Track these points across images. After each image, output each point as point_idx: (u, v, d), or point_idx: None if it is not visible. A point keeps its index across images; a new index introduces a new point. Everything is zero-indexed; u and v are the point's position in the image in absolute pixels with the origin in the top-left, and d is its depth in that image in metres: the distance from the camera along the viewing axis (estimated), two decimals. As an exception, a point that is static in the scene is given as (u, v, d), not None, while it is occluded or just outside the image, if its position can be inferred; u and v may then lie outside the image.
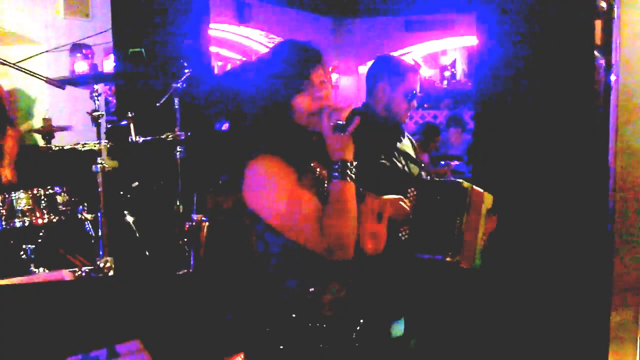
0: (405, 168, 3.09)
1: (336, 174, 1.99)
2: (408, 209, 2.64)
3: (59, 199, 4.24)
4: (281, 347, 2.05)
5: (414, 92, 3.11)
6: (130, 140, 4.61)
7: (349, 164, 1.99)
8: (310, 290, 2.06)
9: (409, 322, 3.00)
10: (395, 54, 3.83)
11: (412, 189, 2.78)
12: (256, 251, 2.12)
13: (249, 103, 2.10)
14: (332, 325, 2.07)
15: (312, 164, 2.12)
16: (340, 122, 1.96)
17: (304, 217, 1.96)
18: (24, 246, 4.09)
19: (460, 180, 2.78)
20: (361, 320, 2.16)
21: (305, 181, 2.04)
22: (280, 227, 2.00)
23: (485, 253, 2.77)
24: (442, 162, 7.37)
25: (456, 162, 7.39)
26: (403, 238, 2.76)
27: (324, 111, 2.00)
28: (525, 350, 3.56)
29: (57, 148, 4.46)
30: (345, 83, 13.10)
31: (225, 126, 6.35)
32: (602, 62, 3.56)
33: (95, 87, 4.01)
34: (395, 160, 3.06)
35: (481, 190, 2.77)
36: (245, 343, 2.19)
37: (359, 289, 2.17)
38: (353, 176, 1.99)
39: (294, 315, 2.05)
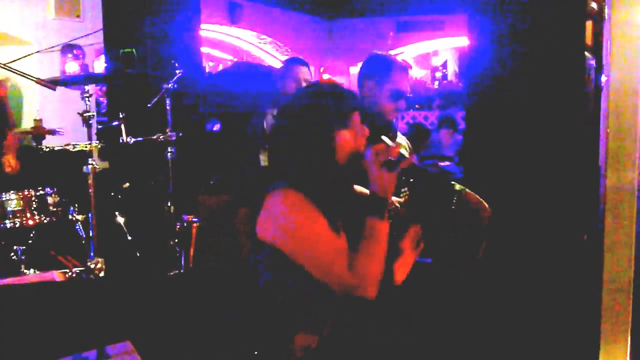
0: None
1: (374, 211, 1.98)
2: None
3: (50, 200, 4.22)
4: None
5: (401, 91, 3.06)
6: (121, 141, 4.60)
7: (388, 203, 1.99)
8: (285, 337, 2.00)
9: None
10: (386, 54, 3.81)
11: (405, 189, 2.70)
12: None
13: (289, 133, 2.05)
14: None
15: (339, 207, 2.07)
16: (392, 159, 1.97)
17: (334, 252, 1.92)
18: (14, 247, 4.07)
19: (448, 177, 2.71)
20: None
21: (333, 219, 2.00)
22: (305, 262, 1.92)
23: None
24: (432, 162, 7.37)
25: (447, 163, 7.40)
26: None
27: (372, 147, 2.00)
28: (515, 351, 3.56)
29: (48, 149, 4.44)
30: (337, 84, 13.10)
31: (216, 127, 6.35)
32: (593, 62, 3.57)
33: (86, 87, 3.99)
34: None
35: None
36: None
37: (332, 338, 2.07)
38: (388, 217, 1.99)
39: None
